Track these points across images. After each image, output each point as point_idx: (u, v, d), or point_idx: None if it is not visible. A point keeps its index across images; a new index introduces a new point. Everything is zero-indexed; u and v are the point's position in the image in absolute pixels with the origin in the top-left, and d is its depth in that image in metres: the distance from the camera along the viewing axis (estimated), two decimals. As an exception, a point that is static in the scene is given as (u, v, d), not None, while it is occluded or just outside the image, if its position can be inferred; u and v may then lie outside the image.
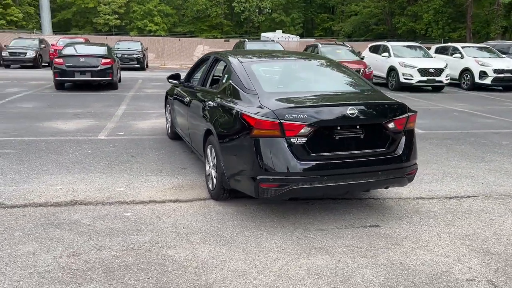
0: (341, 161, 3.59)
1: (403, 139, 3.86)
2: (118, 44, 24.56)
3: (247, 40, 15.91)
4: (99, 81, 12.86)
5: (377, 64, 15.74)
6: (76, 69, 12.48)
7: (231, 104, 3.95)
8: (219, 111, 4.12)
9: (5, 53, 21.23)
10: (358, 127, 3.66)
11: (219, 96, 4.31)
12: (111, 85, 13.34)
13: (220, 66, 4.87)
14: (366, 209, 4.15)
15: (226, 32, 52.89)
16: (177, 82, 5.85)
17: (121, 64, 22.67)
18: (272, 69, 4.68)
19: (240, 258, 3.12)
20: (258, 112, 3.54)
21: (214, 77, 5.06)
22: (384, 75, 15.48)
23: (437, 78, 14.30)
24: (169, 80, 5.85)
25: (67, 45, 14.24)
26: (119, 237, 3.40)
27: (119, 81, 15.06)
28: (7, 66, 21.34)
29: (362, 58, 15.67)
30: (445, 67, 14.42)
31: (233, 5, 49.87)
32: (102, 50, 13.48)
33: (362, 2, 43.08)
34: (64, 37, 26.64)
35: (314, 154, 3.52)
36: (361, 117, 3.64)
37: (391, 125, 3.76)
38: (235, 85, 4.10)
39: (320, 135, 3.53)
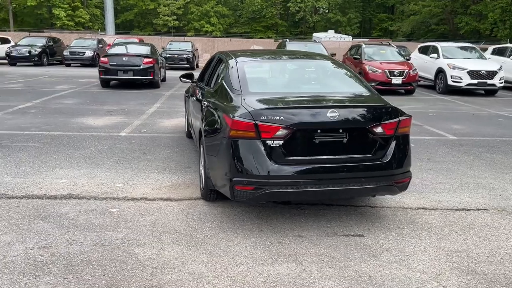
0: (321, 165, 3.43)
1: (393, 144, 3.62)
2: (171, 44, 25.35)
3: (288, 40, 15.76)
4: (140, 80, 13.30)
5: (425, 65, 15.01)
6: (120, 67, 12.99)
7: (218, 103, 3.92)
8: (209, 111, 4.10)
9: (66, 53, 22.62)
10: (341, 130, 3.48)
11: (212, 95, 4.29)
12: (153, 84, 13.76)
13: (221, 66, 4.85)
14: (357, 217, 3.95)
15: (281, 33, 52.87)
16: (189, 81, 5.90)
17: (171, 64, 23.45)
18: (267, 70, 4.58)
19: (203, 261, 3.07)
20: (236, 113, 3.47)
21: (216, 77, 5.04)
22: (431, 77, 14.73)
23: (489, 81, 13.38)
24: (182, 79, 5.91)
25: (114, 45, 14.88)
26: (95, 232, 3.47)
27: (163, 80, 15.53)
28: (68, 65, 22.74)
29: (408, 59, 15.02)
30: (498, 69, 13.46)
31: (288, 5, 49.70)
32: (145, 50, 13.94)
33: (422, 1, 41.28)
34: (120, 37, 27.88)
35: (291, 158, 3.39)
36: (344, 120, 3.45)
37: (378, 130, 3.54)
38: (225, 85, 4.06)
39: (298, 138, 3.40)
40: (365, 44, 15.83)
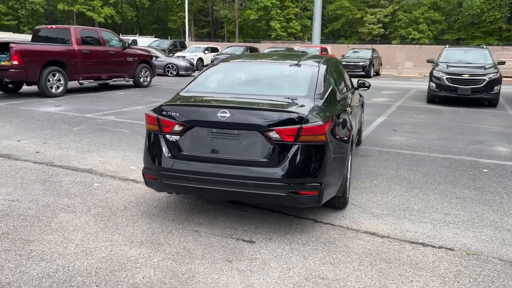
0: (211, 164, 3.46)
1: (294, 152, 3.34)
2: (352, 52, 25.43)
3: (447, 46, 14.06)
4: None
5: None
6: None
7: None
8: None
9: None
10: (236, 132, 3.43)
11: None
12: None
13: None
14: (270, 224, 3.75)
15: (505, 39, 46.27)
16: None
17: (346, 71, 23.46)
18: (228, 71, 4.63)
19: (90, 232, 3.56)
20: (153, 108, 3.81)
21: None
22: None
23: None
24: None
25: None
26: (51, 197, 4.30)
27: None
28: None
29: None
30: None
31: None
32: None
33: None
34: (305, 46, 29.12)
35: (185, 153, 3.54)
36: (234, 121, 3.39)
37: (273, 135, 3.33)
38: (189, 84, 4.40)
39: (193, 135, 3.52)
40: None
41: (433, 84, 12.20)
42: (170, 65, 20.84)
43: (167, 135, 3.59)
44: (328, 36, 56.14)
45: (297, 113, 3.38)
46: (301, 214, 4.03)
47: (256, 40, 52.45)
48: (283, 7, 55.78)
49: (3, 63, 10.87)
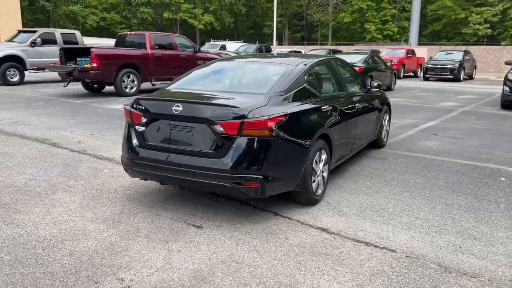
0: (168, 153, 3.79)
1: (237, 145, 3.53)
2: (442, 54, 24.00)
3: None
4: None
5: None
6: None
7: None
8: None
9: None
10: (189, 124, 3.72)
11: None
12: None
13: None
14: (237, 214, 3.96)
15: None
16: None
17: (431, 74, 22.35)
18: (213, 70, 4.86)
19: (50, 213, 4.11)
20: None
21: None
22: None
23: None
24: None
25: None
26: (62, 178, 4.98)
27: (389, 89, 15.66)
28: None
29: None
30: None
31: None
32: (356, 58, 14.35)
33: None
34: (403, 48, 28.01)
35: (150, 143, 3.92)
36: (187, 115, 3.68)
37: (219, 128, 3.56)
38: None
39: (155, 127, 3.89)
40: None
41: (506, 88, 11.19)
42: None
43: (136, 126, 4.01)
44: (429, 38, 53.14)
45: (240, 108, 3.57)
46: (267, 207, 4.18)
47: (349, 43, 51.60)
48: (379, 8, 54.11)
49: (86, 65, 12.33)
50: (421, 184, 4.99)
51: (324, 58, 5.16)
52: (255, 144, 3.55)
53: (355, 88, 5.67)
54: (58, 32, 17.09)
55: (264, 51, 31.61)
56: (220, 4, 59.97)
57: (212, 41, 36.72)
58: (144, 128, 3.96)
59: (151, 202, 4.27)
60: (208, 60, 14.98)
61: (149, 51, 13.33)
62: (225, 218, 3.92)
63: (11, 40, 17.15)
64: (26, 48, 16.17)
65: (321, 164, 4.33)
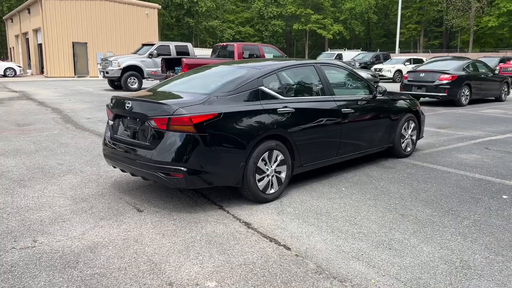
0: (122, 145, 4.35)
1: (166, 138, 3.91)
2: None
3: None
4: (434, 97, 12.94)
5: None
6: (414, 83, 13.20)
7: None
8: None
9: None
10: (137, 120, 4.23)
11: None
12: (454, 102, 13.01)
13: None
14: (182, 204, 4.33)
15: None
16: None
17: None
18: (199, 72, 5.17)
19: (45, 191, 4.94)
20: (115, 101, 4.93)
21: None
22: None
23: None
24: None
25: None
26: (83, 166, 5.89)
27: (498, 100, 14.20)
28: None
29: None
30: None
31: None
32: (449, 66, 13.21)
33: None
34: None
35: (116, 136, 4.53)
36: (133, 111, 4.20)
37: (151, 123, 3.99)
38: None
39: (118, 122, 4.49)
40: None
41: None
42: (351, 77, 21.27)
43: (109, 121, 4.68)
44: None
45: (169, 105, 3.95)
46: (219, 201, 4.46)
47: (495, 49, 46.59)
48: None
49: (179, 73, 13.77)
50: (400, 194, 4.69)
51: (304, 62, 5.20)
52: (182, 139, 3.89)
53: (352, 93, 5.54)
54: (172, 45, 19.21)
55: (382, 59, 30.65)
56: (351, 13, 59.38)
57: (329, 50, 36.73)
58: (112, 122, 4.60)
59: (126, 188, 4.88)
60: (295, 68, 15.31)
61: (235, 60, 14.23)
62: (171, 206, 4.31)
63: (135, 52, 19.82)
64: (144, 59, 18.54)
65: (274, 164, 4.44)
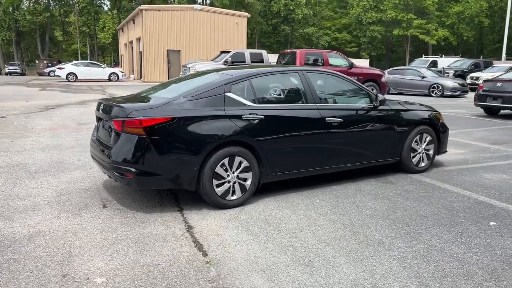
0: (100, 146, 4.64)
1: (121, 140, 4.11)
2: None
3: None
4: (507, 108, 11.57)
5: None
6: (490, 93, 11.94)
7: None
8: None
9: None
10: (107, 122, 4.49)
11: None
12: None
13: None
14: (149, 202, 4.51)
15: None
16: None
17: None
18: (182, 79, 5.24)
19: (42, 179, 5.42)
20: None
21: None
22: None
23: None
24: None
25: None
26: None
27: None
28: None
29: None
30: None
31: None
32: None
33: None
34: None
35: (97, 137, 4.86)
36: (104, 113, 4.48)
37: (112, 125, 4.23)
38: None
39: (99, 123, 4.82)
40: None
41: None
42: (435, 85, 19.85)
43: (96, 123, 5.04)
44: None
45: (125, 108, 4.15)
46: (184, 203, 4.57)
47: None
48: None
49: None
50: (372, 211, 4.35)
51: (286, 69, 5.07)
52: (133, 141, 4.07)
53: (345, 102, 5.26)
54: (247, 52, 19.72)
55: (482, 67, 28.11)
56: (459, 17, 55.15)
57: (423, 57, 34.54)
58: (96, 124, 4.95)
59: (114, 185, 5.20)
60: (361, 75, 14.80)
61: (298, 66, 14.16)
62: (135, 204, 4.51)
63: (213, 59, 20.70)
64: (220, 66, 19.26)
65: (237, 171, 4.41)
